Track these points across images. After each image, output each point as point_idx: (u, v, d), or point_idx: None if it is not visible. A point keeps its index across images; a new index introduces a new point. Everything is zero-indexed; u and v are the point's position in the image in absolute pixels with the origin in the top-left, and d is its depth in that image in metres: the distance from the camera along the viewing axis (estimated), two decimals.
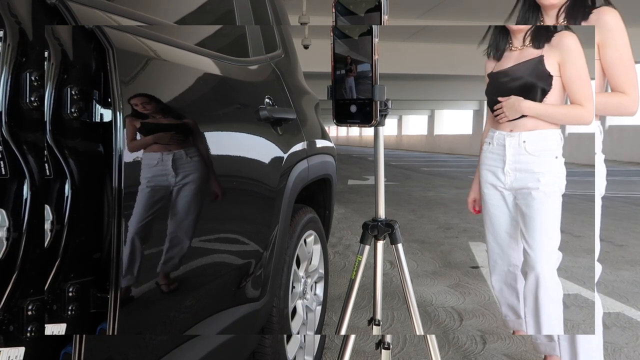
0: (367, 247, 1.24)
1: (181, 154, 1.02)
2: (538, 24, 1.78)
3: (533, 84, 1.73)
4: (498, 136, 1.86)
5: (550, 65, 1.71)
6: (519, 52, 1.79)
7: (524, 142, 1.78)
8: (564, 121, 1.75)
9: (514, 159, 1.80)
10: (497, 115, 1.82)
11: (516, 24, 1.83)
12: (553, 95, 1.73)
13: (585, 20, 1.66)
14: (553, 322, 1.75)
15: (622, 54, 1.61)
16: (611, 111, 1.68)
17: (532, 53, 1.75)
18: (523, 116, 1.77)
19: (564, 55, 1.68)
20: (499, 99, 1.80)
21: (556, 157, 1.75)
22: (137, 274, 0.89)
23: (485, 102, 1.98)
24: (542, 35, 1.73)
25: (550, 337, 1.94)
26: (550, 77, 1.72)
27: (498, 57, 1.86)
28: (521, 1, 1.83)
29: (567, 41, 1.68)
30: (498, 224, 1.93)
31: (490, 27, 1.90)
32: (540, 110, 1.74)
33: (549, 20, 1.77)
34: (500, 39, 1.86)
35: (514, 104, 1.76)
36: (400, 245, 1.22)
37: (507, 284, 2.02)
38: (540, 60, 1.72)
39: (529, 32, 1.76)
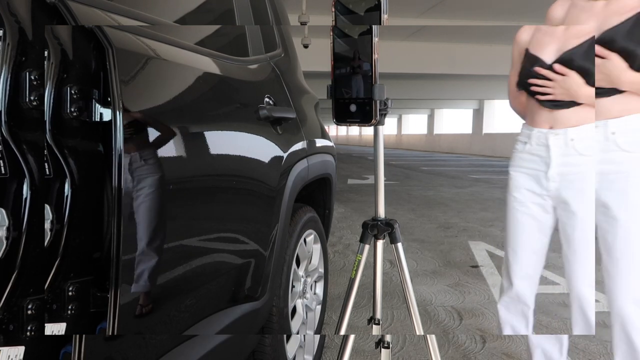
0: (366, 247, 1.24)
1: (179, 153, 1.02)
2: None
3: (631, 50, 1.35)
4: (537, 134, 1.53)
5: None
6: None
7: (572, 140, 1.48)
8: None
9: (561, 160, 1.50)
10: (538, 90, 1.49)
11: None
12: None
13: None
14: None
15: None
16: None
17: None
18: (572, 105, 1.46)
19: None
20: (555, 66, 1.45)
21: None
22: (137, 273, 0.89)
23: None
24: None
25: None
26: None
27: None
28: None
29: None
30: (527, 237, 1.61)
31: None
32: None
33: None
34: None
35: (573, 83, 1.42)
36: (400, 245, 1.22)
37: (516, 311, 1.73)
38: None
39: None
